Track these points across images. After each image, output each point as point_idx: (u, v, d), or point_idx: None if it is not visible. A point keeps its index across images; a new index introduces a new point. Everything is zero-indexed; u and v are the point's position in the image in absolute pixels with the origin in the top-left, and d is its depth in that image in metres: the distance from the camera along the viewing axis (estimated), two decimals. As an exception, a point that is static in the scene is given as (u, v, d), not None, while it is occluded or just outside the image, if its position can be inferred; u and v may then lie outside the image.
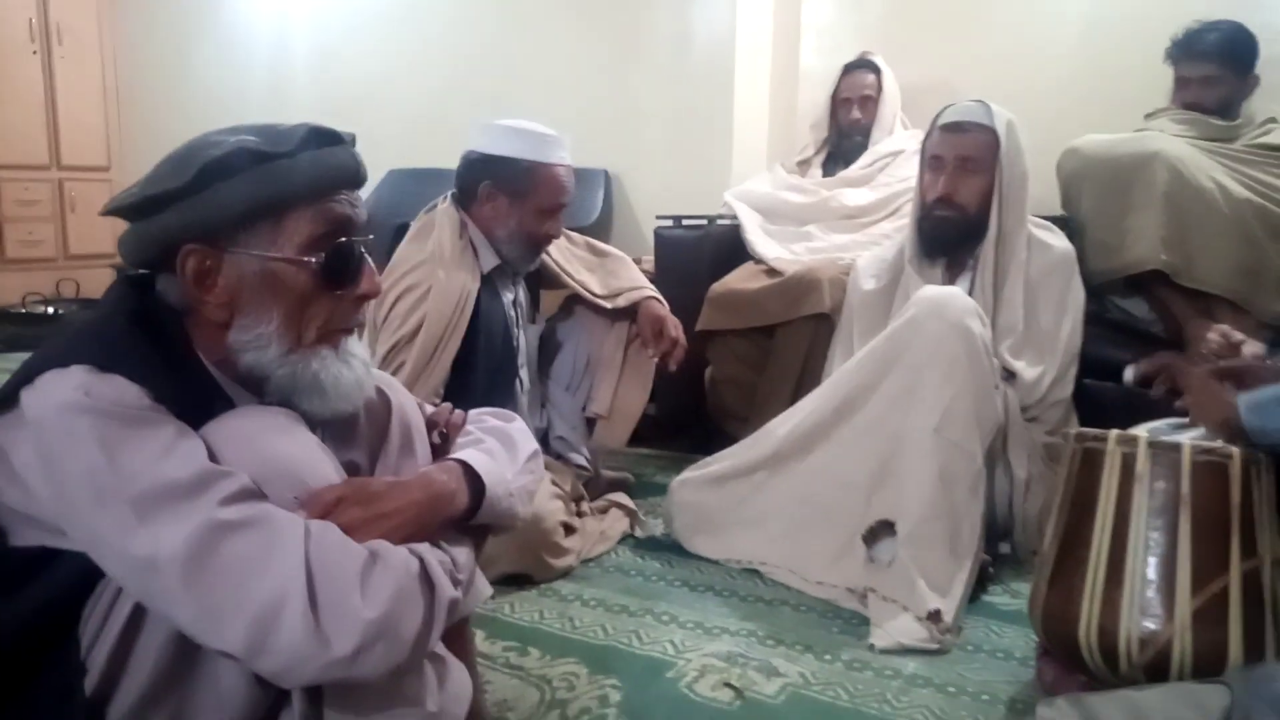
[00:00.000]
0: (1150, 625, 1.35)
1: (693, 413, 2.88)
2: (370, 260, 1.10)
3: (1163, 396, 1.64)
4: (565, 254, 2.35)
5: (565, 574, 2.02)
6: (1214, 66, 2.54)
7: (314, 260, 1.03)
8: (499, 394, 2.14)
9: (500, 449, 1.22)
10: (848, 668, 1.63)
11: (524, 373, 2.28)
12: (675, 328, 2.30)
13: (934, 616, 1.70)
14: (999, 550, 2.06)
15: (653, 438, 2.88)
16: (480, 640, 1.68)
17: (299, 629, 0.87)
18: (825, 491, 1.97)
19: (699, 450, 2.42)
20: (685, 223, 2.93)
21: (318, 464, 1.02)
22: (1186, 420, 1.56)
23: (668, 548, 2.19)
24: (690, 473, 2.21)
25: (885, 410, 1.90)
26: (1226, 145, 2.50)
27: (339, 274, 1.06)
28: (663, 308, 2.33)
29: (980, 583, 1.91)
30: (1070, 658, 1.46)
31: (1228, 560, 1.35)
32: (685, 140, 3.45)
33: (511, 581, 1.94)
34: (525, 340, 2.29)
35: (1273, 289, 2.37)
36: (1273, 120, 2.57)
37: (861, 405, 1.96)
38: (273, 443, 0.99)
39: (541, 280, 2.36)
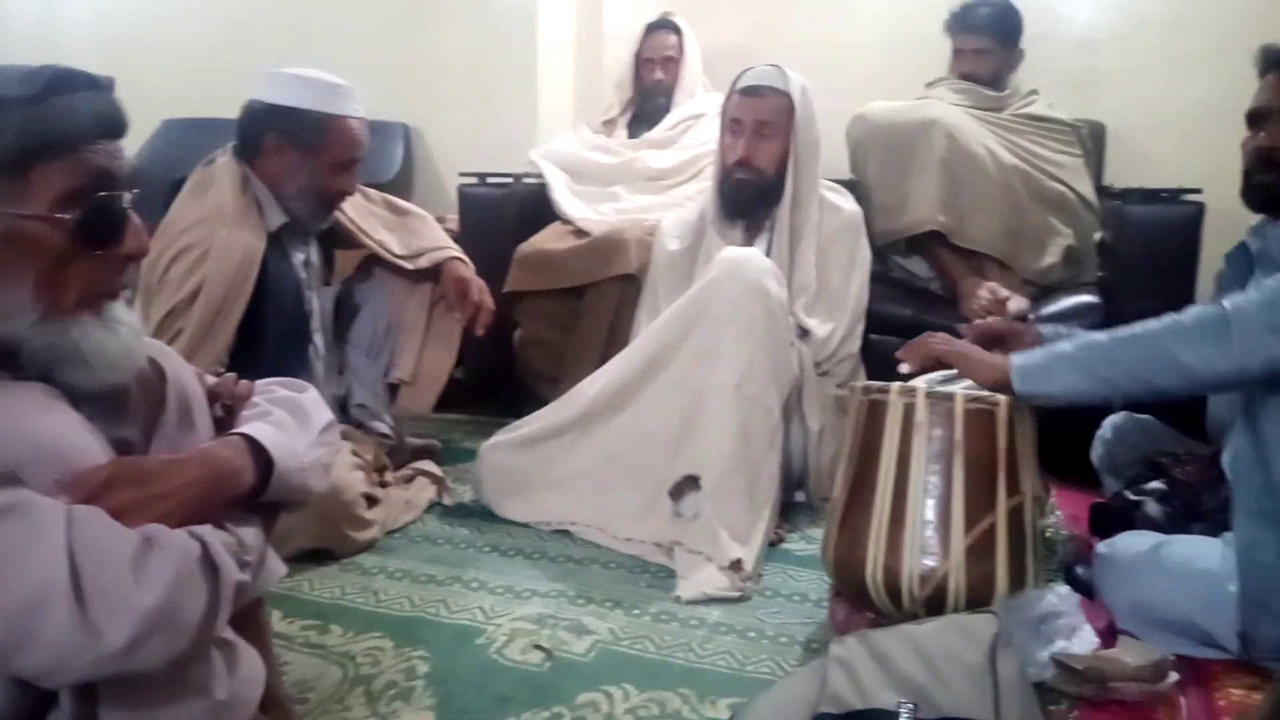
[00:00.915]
0: (929, 563, 1.46)
1: (501, 376, 2.84)
2: (136, 217, 1.00)
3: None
4: (361, 212, 2.25)
5: (369, 547, 1.95)
6: (986, 39, 2.73)
7: (69, 217, 0.93)
8: (290, 362, 2.03)
9: (290, 421, 1.16)
10: (655, 620, 1.67)
11: (318, 338, 2.17)
12: (481, 290, 2.25)
13: (736, 565, 1.77)
14: (794, 499, 2.16)
15: (460, 402, 2.82)
16: (276, 621, 1.60)
17: (64, 622, 0.81)
18: (632, 449, 2.00)
19: (509, 414, 2.39)
20: (490, 181, 2.87)
21: (81, 443, 0.93)
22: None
23: (477, 514, 2.16)
24: (500, 436, 2.19)
25: (688, 369, 1.95)
26: (997, 114, 2.70)
27: (99, 232, 0.96)
28: (467, 268, 2.27)
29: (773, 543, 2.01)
30: (859, 597, 1.55)
31: (995, 499, 1.47)
32: (488, 95, 3.36)
33: (310, 557, 1.86)
34: (319, 304, 2.18)
35: (1034, 249, 2.59)
36: (1035, 92, 2.79)
37: (666, 364, 1.99)
38: (28, 422, 0.90)
39: (336, 240, 2.25)
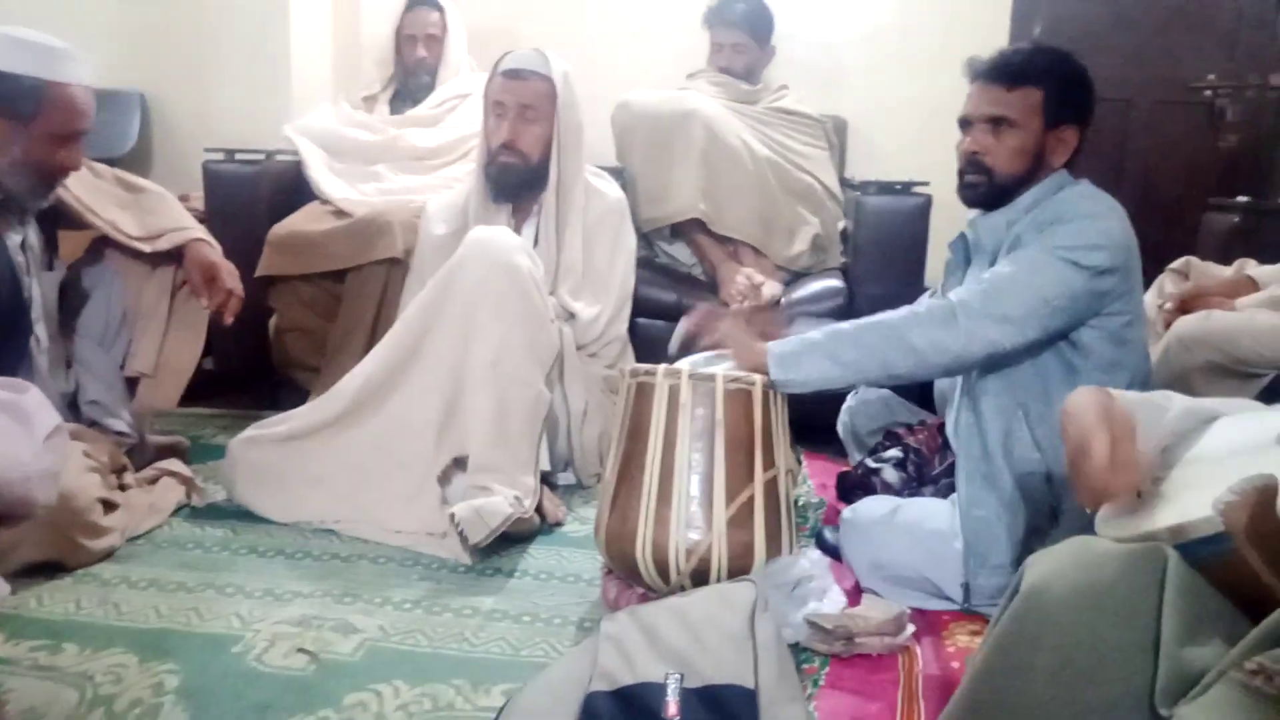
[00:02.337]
0: (694, 536, 1.52)
1: (257, 366, 2.68)
2: None
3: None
4: (89, 189, 2.04)
5: (107, 556, 1.78)
6: (741, 35, 2.86)
7: None
8: (8, 356, 1.82)
9: (11, 426, 1.04)
10: (427, 613, 1.63)
11: (40, 328, 1.95)
12: (230, 274, 2.10)
13: (515, 501, 1.80)
14: (557, 481, 2.18)
15: (211, 395, 2.63)
16: (-3, 644, 1.44)
17: None
18: (398, 439, 1.95)
19: (266, 406, 2.26)
20: (239, 157, 2.69)
21: None
22: (721, 352, 1.75)
23: (232, 514, 2.02)
24: (254, 431, 2.06)
25: (446, 352, 1.93)
26: (751, 107, 2.84)
27: None
28: (214, 251, 2.11)
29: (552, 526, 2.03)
30: (630, 574, 1.59)
31: (753, 472, 1.56)
32: (236, 63, 3.13)
33: (39, 571, 1.68)
34: (40, 291, 1.95)
35: (785, 236, 2.74)
36: (785, 88, 2.95)
37: (424, 350, 1.96)
38: None
39: (59, 220, 2.02)
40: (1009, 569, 1.57)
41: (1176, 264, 2.18)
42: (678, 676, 1.20)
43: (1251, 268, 2.03)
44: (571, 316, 2.22)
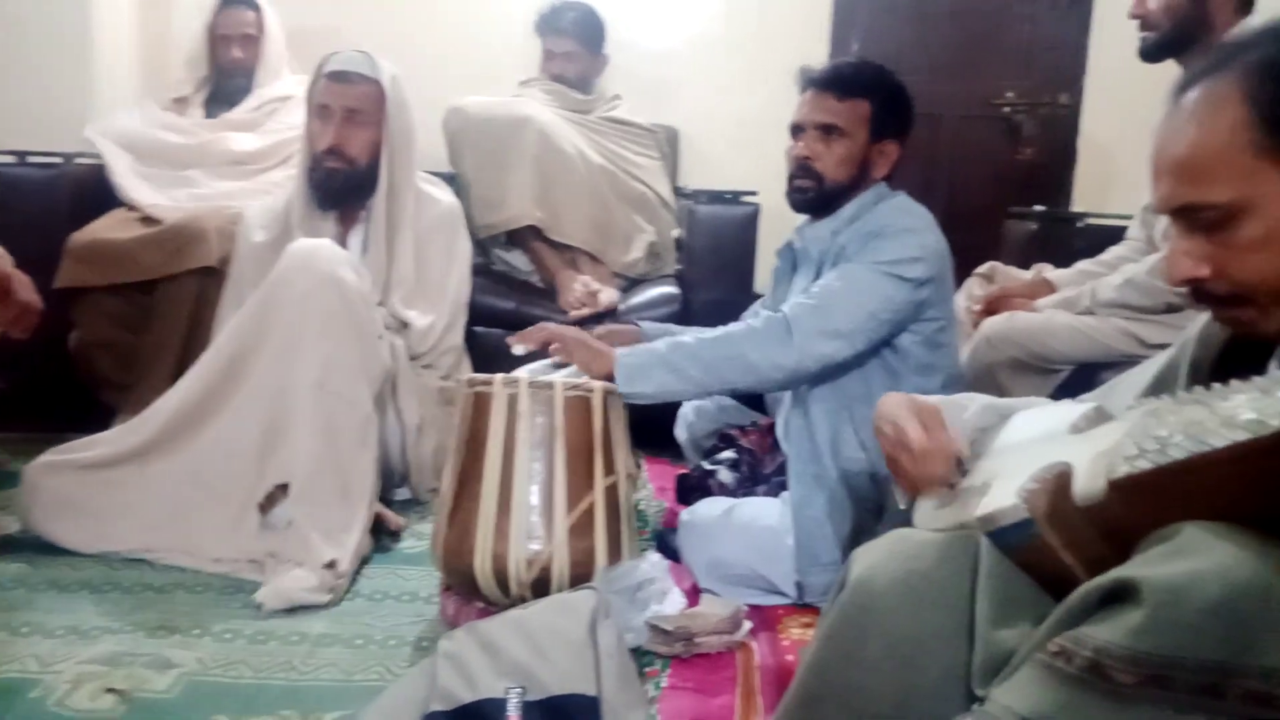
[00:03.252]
0: (535, 546, 1.50)
1: (58, 384, 2.47)
2: None
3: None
4: None
5: (-123, 599, 1.60)
6: (573, 42, 2.87)
7: None
8: None
9: None
10: (251, 643, 1.54)
11: None
12: (24, 286, 1.92)
13: (330, 566, 1.70)
14: (394, 497, 2.12)
15: (5, 417, 2.41)
16: None
17: None
18: (215, 465, 1.82)
19: (71, 428, 2.08)
20: (33, 160, 2.48)
21: None
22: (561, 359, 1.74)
23: (29, 546, 1.85)
24: (54, 456, 1.89)
25: (268, 371, 1.82)
26: (585, 116, 2.85)
27: None
28: (4, 261, 1.93)
29: (391, 535, 1.97)
30: (469, 589, 1.56)
31: (593, 479, 1.55)
32: (29, 58, 2.87)
33: None
34: None
35: (621, 244, 2.77)
36: (618, 97, 2.98)
37: (245, 370, 1.85)
38: None
39: None
40: (839, 566, 1.62)
41: (982, 268, 2.33)
42: (519, 690, 1.18)
43: (1048, 271, 2.20)
44: (404, 326, 2.15)
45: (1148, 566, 0.67)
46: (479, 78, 2.98)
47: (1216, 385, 0.73)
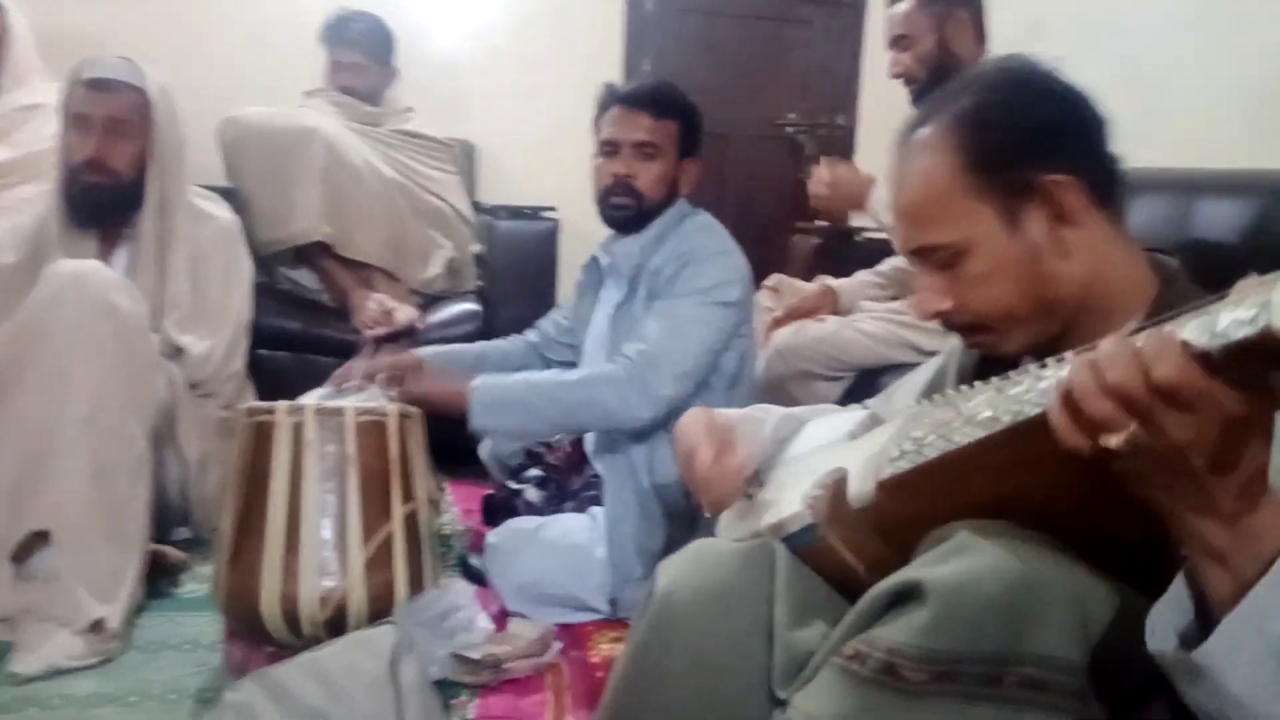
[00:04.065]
0: (328, 583, 1.42)
1: None
2: None
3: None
4: None
5: None
6: (361, 54, 2.76)
7: None
8: None
9: None
10: (4, 711, 1.37)
11: None
12: None
13: (97, 626, 1.53)
14: (174, 537, 1.96)
15: None
16: None
17: None
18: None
19: None
20: None
21: None
22: (353, 384, 1.66)
23: None
24: None
25: (29, 404, 1.63)
26: (374, 129, 2.75)
27: None
28: None
29: (171, 576, 1.81)
30: (257, 633, 1.45)
31: (390, 508, 1.49)
32: None
33: None
34: None
35: (418, 260, 2.69)
36: (410, 110, 2.90)
37: (1, 402, 1.65)
38: None
39: None
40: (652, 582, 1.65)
41: (769, 281, 2.42)
42: (314, 738, 1.11)
43: (830, 281, 2.31)
44: (179, 353, 1.99)
45: (929, 567, 0.71)
46: (261, 88, 2.81)
47: (964, 387, 0.79)
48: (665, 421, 1.72)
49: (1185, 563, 0.62)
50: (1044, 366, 0.69)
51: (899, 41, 2.10)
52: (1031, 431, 0.65)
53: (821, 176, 2.21)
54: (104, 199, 1.97)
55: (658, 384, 1.65)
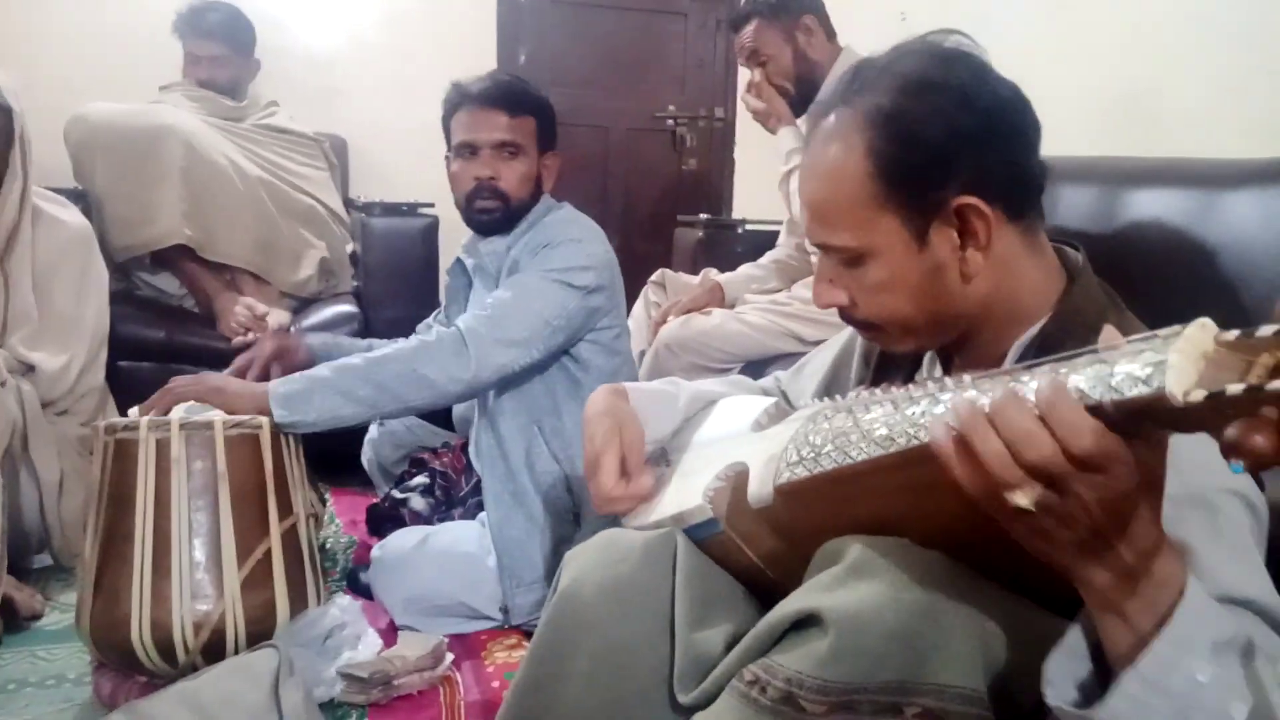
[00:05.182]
0: (203, 607, 1.35)
1: None
2: None
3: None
4: None
5: None
6: (219, 45, 2.62)
7: None
8: None
9: None
10: None
11: None
12: None
13: None
14: (34, 565, 1.83)
15: None
16: None
17: None
18: None
19: None
20: None
21: None
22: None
23: None
24: None
25: None
26: (237, 124, 2.62)
27: None
28: None
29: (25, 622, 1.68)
30: (128, 663, 1.37)
31: (267, 524, 1.42)
32: None
33: None
34: None
35: (289, 261, 2.58)
36: (275, 104, 2.78)
37: None
38: None
39: None
40: (544, 583, 1.62)
41: (655, 276, 2.42)
42: (188, 772, 1.05)
43: (715, 275, 2.33)
44: (30, 370, 1.85)
45: (828, 593, 0.70)
46: (111, 83, 2.65)
47: (866, 392, 0.78)
48: (540, 415, 1.69)
49: (1081, 612, 0.62)
50: (942, 389, 0.67)
51: (754, 57, 2.13)
52: (924, 460, 0.63)
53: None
54: None
55: (478, 347, 1.58)
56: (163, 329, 2.34)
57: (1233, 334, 0.50)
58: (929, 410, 0.66)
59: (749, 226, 2.72)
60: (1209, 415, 0.49)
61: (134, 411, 1.50)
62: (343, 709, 1.40)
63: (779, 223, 2.39)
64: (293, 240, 2.59)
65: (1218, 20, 1.81)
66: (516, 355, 1.61)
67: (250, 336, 2.27)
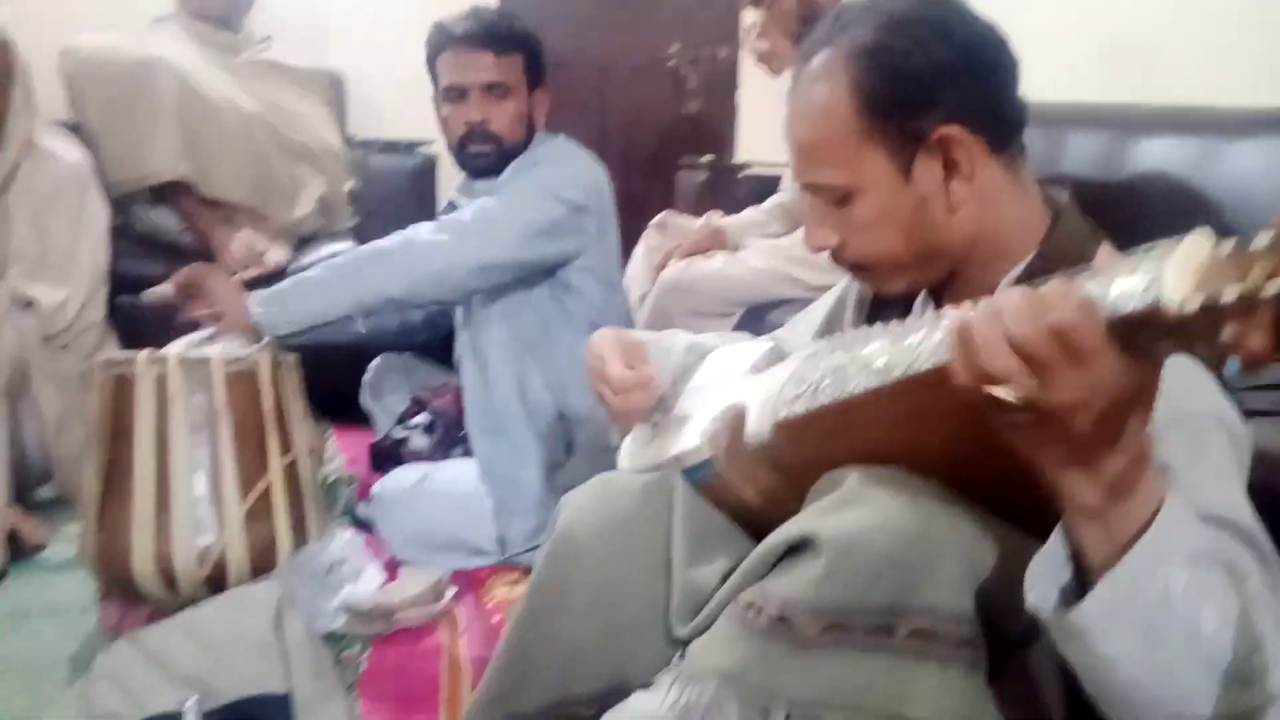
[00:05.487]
0: (205, 539, 1.36)
1: None
2: None
3: (194, 313, 1.62)
4: None
5: None
6: (210, -25, 2.57)
7: None
8: None
9: None
10: None
11: None
12: None
13: None
14: (37, 496, 1.85)
15: None
16: None
17: None
18: None
19: None
20: None
21: None
22: (207, 333, 1.57)
23: None
24: None
25: None
26: (233, 58, 2.58)
27: None
28: None
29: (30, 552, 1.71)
30: (132, 594, 1.39)
31: (267, 460, 1.43)
32: None
33: None
34: None
35: (286, 198, 2.55)
36: (269, 38, 2.72)
37: None
38: None
39: None
40: (538, 510, 1.64)
41: (656, 219, 2.40)
42: (195, 699, 1.07)
43: (718, 218, 2.31)
44: (30, 305, 1.85)
45: (822, 518, 0.71)
46: (104, 13, 2.60)
47: (862, 329, 0.79)
48: (532, 344, 1.69)
49: (1063, 520, 0.63)
50: (940, 318, 0.68)
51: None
52: (922, 387, 0.65)
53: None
54: None
55: (458, 237, 1.58)
56: (162, 264, 2.30)
57: (1228, 246, 0.50)
58: (927, 339, 0.67)
59: (753, 170, 2.70)
60: (1205, 326, 0.49)
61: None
62: (345, 641, 1.42)
63: (783, 165, 2.36)
64: (290, 177, 2.57)
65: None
66: (496, 249, 1.59)
67: (252, 271, 2.26)
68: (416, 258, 1.56)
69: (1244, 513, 0.70)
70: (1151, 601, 0.58)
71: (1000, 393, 0.57)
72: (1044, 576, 0.63)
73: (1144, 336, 0.54)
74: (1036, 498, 0.63)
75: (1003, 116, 0.85)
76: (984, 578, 0.69)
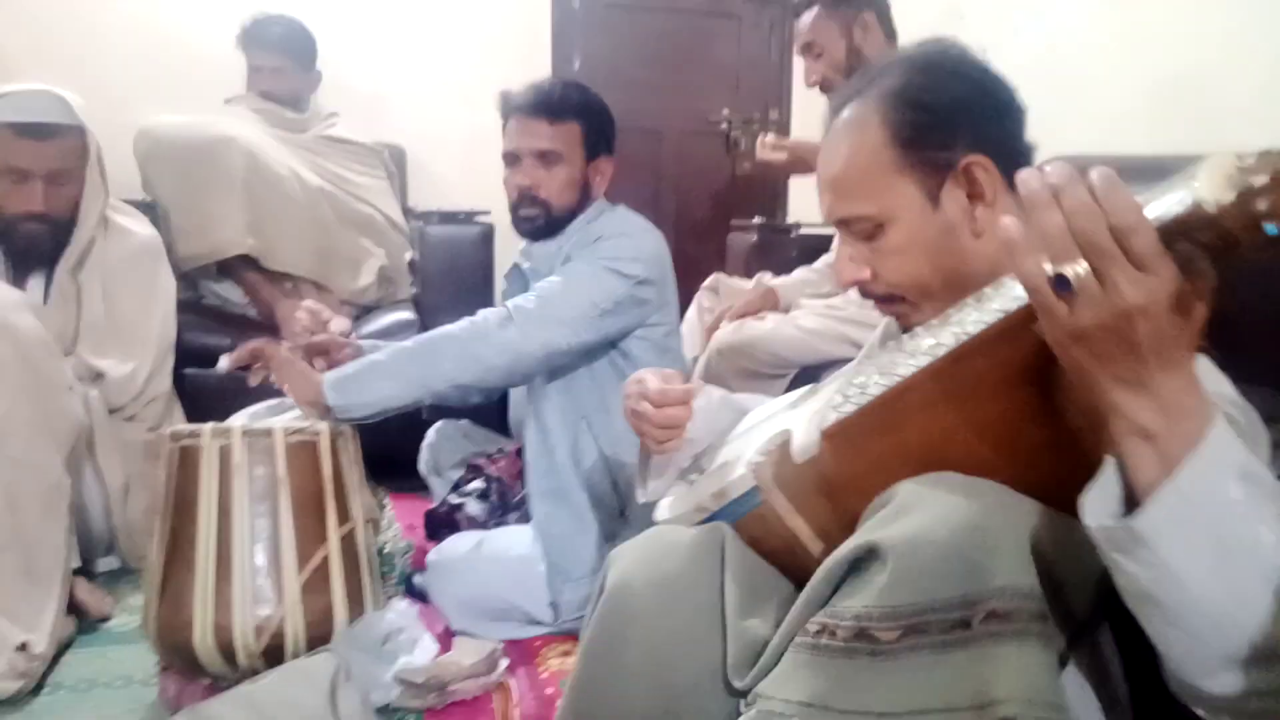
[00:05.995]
0: (264, 611, 1.37)
1: None
2: None
3: (262, 381, 1.66)
4: None
5: None
6: (281, 57, 2.68)
7: None
8: None
9: None
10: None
11: None
12: None
13: (23, 648, 1.47)
14: (100, 567, 1.89)
15: None
16: None
17: None
18: None
19: None
20: None
21: None
22: (283, 400, 1.61)
23: None
24: None
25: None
26: (300, 135, 2.67)
27: None
28: None
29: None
30: (191, 665, 1.40)
31: (325, 530, 1.44)
32: None
33: None
34: None
35: (348, 270, 2.62)
36: (335, 114, 2.82)
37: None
38: None
39: None
40: (591, 578, 1.62)
41: (708, 281, 2.41)
42: (252, 776, 1.07)
43: (769, 279, 2.31)
44: (99, 377, 1.91)
45: (881, 529, 0.71)
46: (176, 96, 2.72)
47: (905, 336, 0.82)
48: (588, 412, 1.70)
49: (1111, 450, 0.63)
50: (982, 297, 0.71)
51: (809, 49, 2.12)
52: (973, 353, 0.68)
53: (777, 142, 2.23)
54: (44, 243, 1.91)
55: (525, 323, 1.60)
56: (228, 337, 2.38)
57: (1252, 155, 0.54)
58: (974, 311, 0.71)
59: (803, 230, 2.70)
60: (1241, 213, 0.53)
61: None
62: (399, 714, 1.42)
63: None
64: (352, 249, 2.64)
65: (1275, 6, 1.76)
66: (563, 334, 1.62)
67: (317, 338, 2.30)
68: (486, 347, 1.58)
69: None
70: (1216, 506, 0.59)
71: (1063, 269, 0.59)
72: (1098, 503, 0.63)
73: (1186, 243, 0.57)
74: (1080, 468, 0.64)
75: (1017, 152, 0.92)
76: (1045, 556, 0.68)
